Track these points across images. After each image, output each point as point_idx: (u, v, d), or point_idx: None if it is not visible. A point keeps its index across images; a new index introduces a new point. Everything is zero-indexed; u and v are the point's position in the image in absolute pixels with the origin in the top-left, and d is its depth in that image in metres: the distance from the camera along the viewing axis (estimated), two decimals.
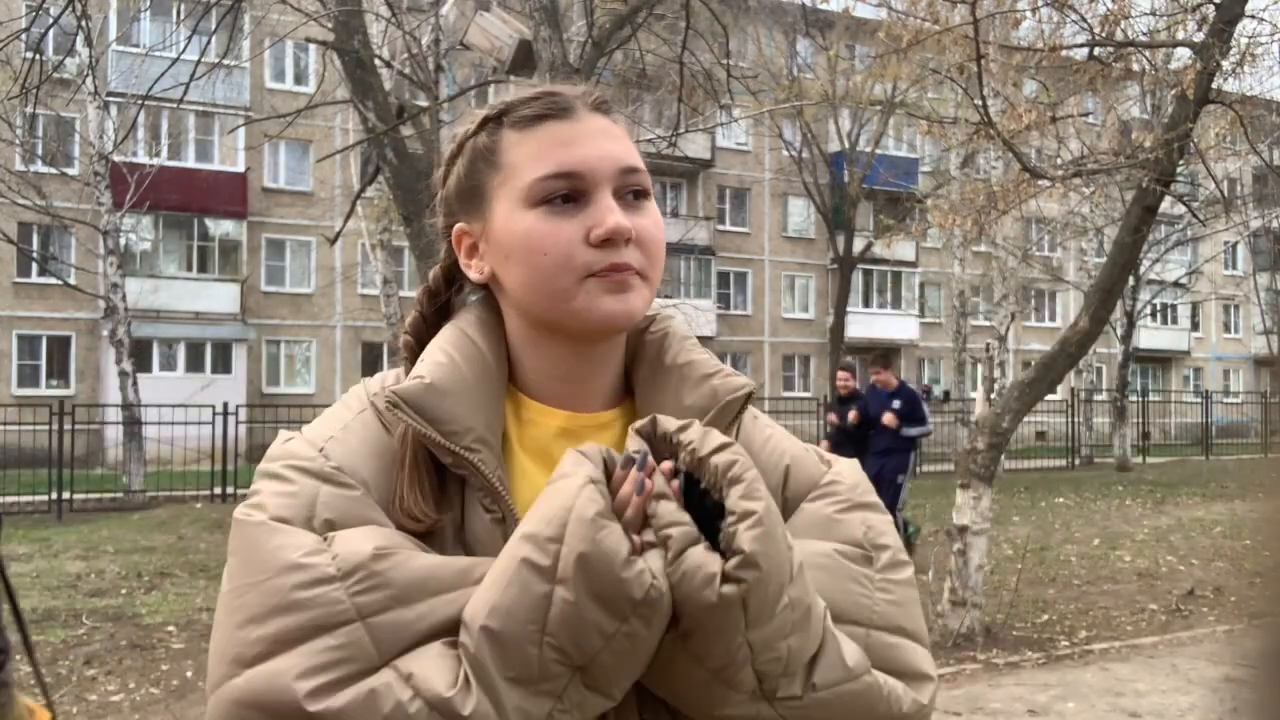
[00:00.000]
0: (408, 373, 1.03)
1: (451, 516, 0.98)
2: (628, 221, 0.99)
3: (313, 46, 13.25)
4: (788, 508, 1.09)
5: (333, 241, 11.37)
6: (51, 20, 8.13)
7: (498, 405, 1.02)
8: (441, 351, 1.02)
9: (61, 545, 10.97)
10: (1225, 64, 7.09)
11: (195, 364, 26.34)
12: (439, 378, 0.98)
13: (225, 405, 17.21)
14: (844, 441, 9.42)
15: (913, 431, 9.54)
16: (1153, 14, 9.99)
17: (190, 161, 26.26)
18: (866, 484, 1.14)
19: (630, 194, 1.02)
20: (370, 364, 28.86)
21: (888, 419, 9.25)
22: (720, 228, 33.65)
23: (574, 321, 1.00)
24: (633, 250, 0.99)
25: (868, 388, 10.01)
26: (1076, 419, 25.26)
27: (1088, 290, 7.95)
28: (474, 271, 1.06)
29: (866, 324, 33.93)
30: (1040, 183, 7.76)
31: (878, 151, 29.82)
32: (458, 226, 1.07)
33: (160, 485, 16.91)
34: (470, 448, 0.96)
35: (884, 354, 10.77)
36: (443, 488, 0.99)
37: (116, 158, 18.52)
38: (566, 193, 0.99)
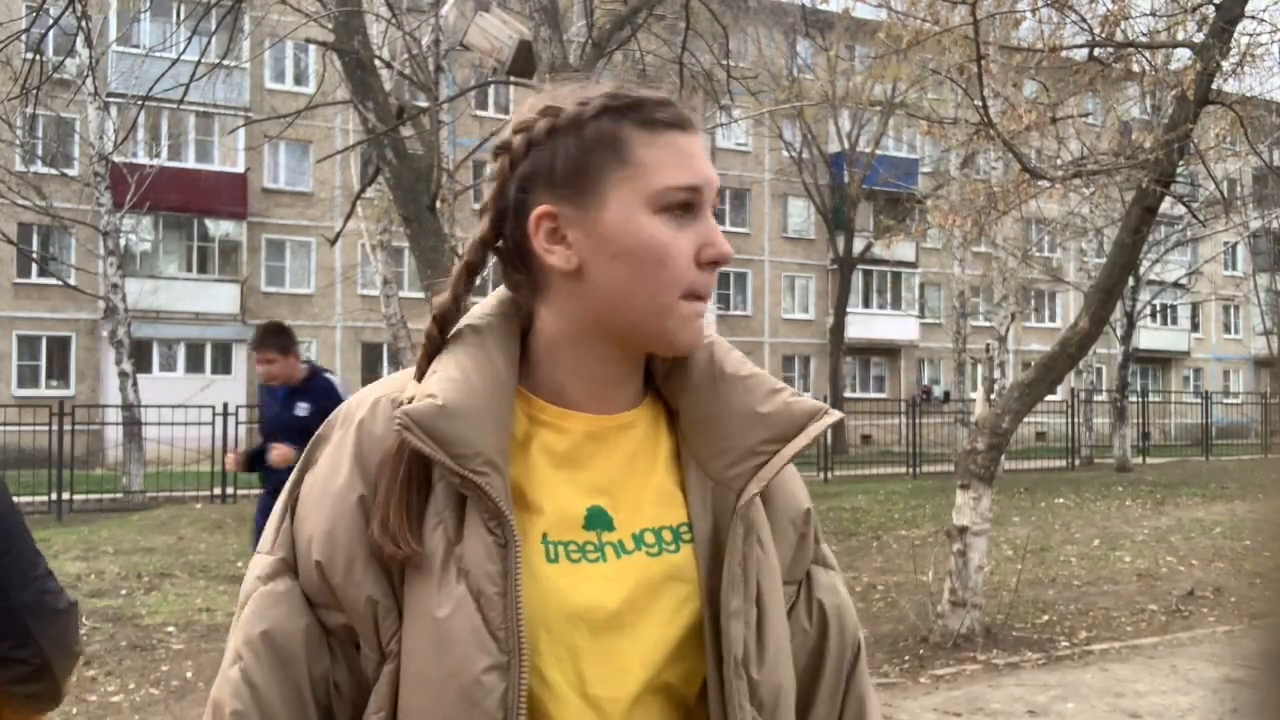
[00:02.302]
0: (422, 368, 1.03)
1: (445, 532, 0.96)
2: (728, 247, 1.02)
3: (313, 47, 13.25)
4: (800, 545, 1.13)
5: (333, 242, 11.38)
6: (51, 20, 8.13)
7: (508, 421, 1.00)
8: (456, 365, 0.99)
9: (61, 546, 10.97)
10: (1225, 64, 7.10)
11: (195, 364, 26.35)
12: (451, 398, 0.96)
13: (225, 406, 17.21)
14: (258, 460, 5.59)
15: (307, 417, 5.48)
16: (1153, 14, 9.98)
17: (190, 162, 26.26)
18: None
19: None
20: (370, 364, 28.86)
21: (276, 456, 5.16)
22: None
23: (659, 336, 1.00)
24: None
25: (261, 388, 6.30)
26: (1076, 419, 25.26)
27: (1088, 291, 7.96)
28: (557, 258, 1.00)
29: (866, 324, 33.93)
30: (1040, 183, 7.76)
31: (878, 152, 29.84)
32: (543, 206, 1.00)
33: (160, 486, 16.91)
34: (479, 470, 0.94)
35: (278, 329, 5.54)
36: (430, 501, 0.97)
37: (116, 158, 18.52)
38: (688, 205, 1.00)
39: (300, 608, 0.99)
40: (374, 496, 0.97)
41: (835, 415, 1.05)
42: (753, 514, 1.03)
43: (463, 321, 1.04)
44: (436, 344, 1.03)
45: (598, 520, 1.01)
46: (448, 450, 0.94)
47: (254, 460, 5.42)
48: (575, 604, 0.97)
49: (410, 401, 0.97)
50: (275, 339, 5.34)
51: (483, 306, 1.06)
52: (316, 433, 1.05)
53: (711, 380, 1.05)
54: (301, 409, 5.17)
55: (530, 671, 0.94)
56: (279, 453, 5.06)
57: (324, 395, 5.20)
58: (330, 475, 1.00)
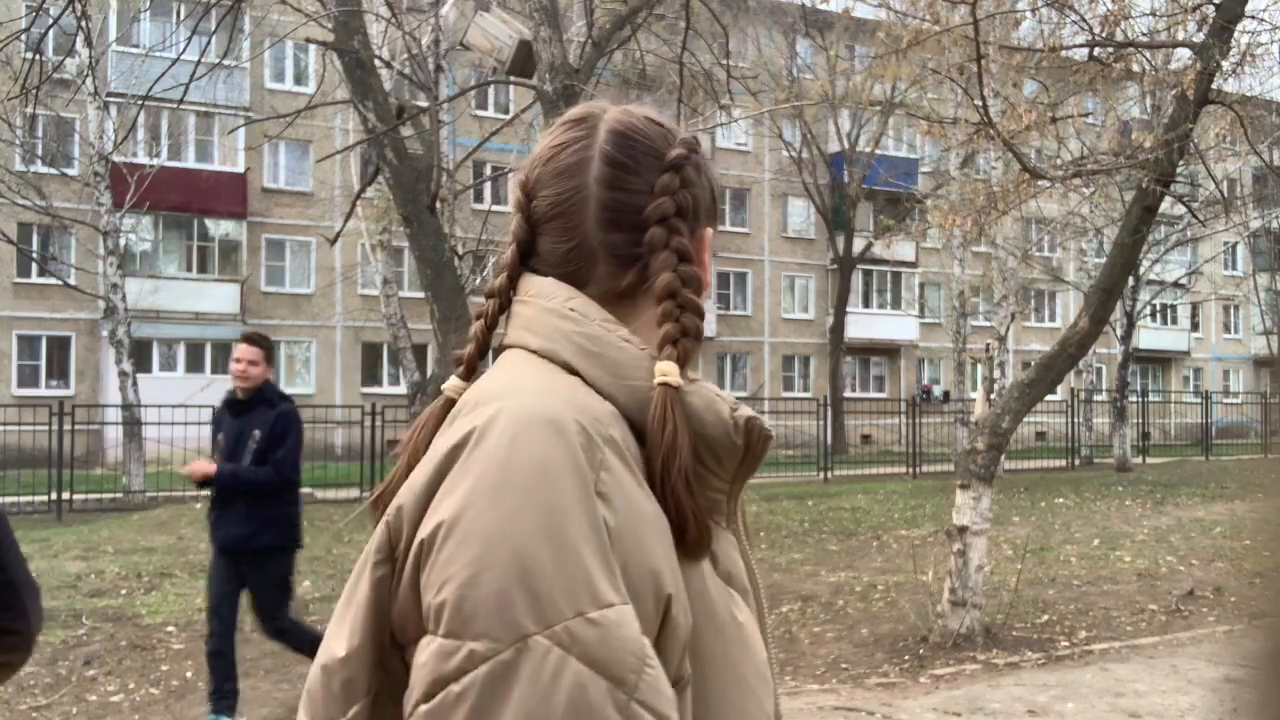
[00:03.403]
0: (478, 355, 1.04)
1: None
2: None
3: (313, 47, 13.25)
4: None
5: (333, 242, 11.38)
6: (51, 20, 8.13)
7: None
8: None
9: (61, 545, 10.97)
10: (1225, 64, 7.10)
11: (195, 364, 26.35)
12: None
13: None
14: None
15: (259, 479, 4.97)
16: (1153, 14, 10.00)
17: (190, 162, 26.26)
18: None
19: None
20: (370, 364, 28.87)
21: (193, 469, 5.06)
22: (720, 228, 33.53)
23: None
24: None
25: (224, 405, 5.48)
26: (1076, 419, 25.25)
27: (1088, 290, 7.95)
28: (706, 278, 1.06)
29: (866, 324, 33.94)
30: (1040, 183, 7.76)
31: (877, 152, 29.84)
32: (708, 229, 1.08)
33: (160, 485, 16.90)
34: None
35: (268, 339, 5.46)
36: None
37: (116, 158, 18.52)
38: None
39: None
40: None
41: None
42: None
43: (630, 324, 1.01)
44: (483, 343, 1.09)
45: None
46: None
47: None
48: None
49: (741, 411, 0.97)
50: (265, 344, 5.34)
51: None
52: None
53: None
54: (258, 434, 5.06)
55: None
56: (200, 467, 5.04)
57: (285, 423, 5.10)
58: (634, 502, 0.88)
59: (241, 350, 5.26)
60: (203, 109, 24.50)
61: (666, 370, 0.93)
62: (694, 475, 0.92)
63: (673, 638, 0.86)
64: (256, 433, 5.08)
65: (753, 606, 1.00)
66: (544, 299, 0.99)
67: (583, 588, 0.79)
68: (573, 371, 0.94)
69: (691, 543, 0.91)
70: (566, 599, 0.78)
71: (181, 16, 19.98)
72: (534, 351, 0.97)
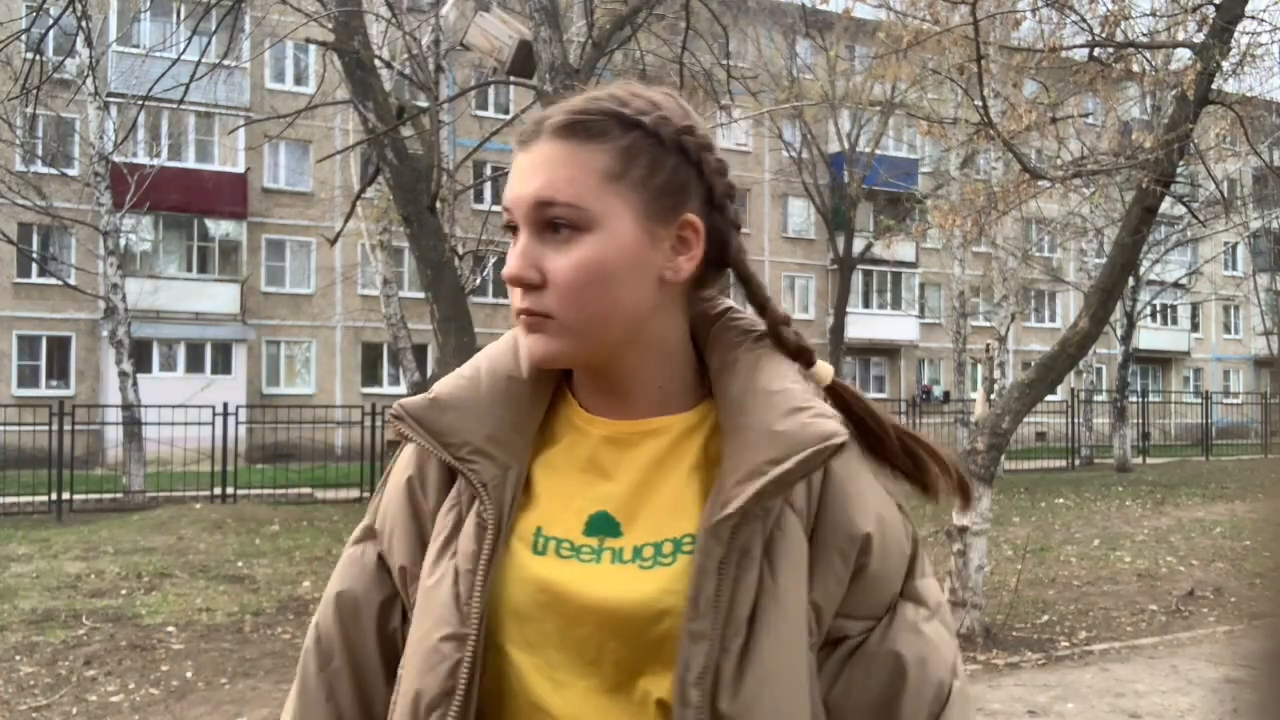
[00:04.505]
0: None
1: (457, 514, 1.04)
2: (514, 267, 0.99)
3: (313, 47, 13.25)
4: (862, 577, 1.03)
5: (333, 242, 11.36)
6: (51, 20, 8.14)
7: (518, 417, 1.05)
8: (472, 364, 1.09)
9: (61, 546, 10.97)
10: (1225, 65, 7.10)
11: (195, 364, 26.34)
12: (446, 392, 1.06)
13: (225, 406, 17.20)
14: None
15: None
16: (1153, 14, 10.00)
17: (190, 162, 26.25)
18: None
19: (555, 229, 0.99)
20: (370, 365, 28.86)
21: None
22: None
23: None
24: (538, 295, 0.99)
25: None
26: (1076, 420, 25.25)
27: (1088, 291, 7.95)
28: None
29: (866, 325, 33.94)
30: (1040, 183, 7.76)
31: (877, 152, 29.83)
32: None
33: (160, 486, 16.91)
34: (464, 458, 1.02)
35: None
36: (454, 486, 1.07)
37: (116, 158, 18.51)
38: (510, 225, 1.02)
39: (373, 571, 1.11)
40: (420, 480, 1.08)
41: (841, 439, 0.97)
42: (740, 534, 0.97)
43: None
44: None
45: (602, 525, 1.01)
46: (439, 439, 1.03)
47: None
48: (551, 594, 0.99)
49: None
50: None
51: None
52: None
53: (743, 393, 1.03)
54: None
55: (496, 651, 0.99)
56: None
57: None
58: (400, 460, 1.12)
59: None
60: (203, 109, 24.50)
61: None
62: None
63: (390, 565, 1.11)
64: None
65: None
66: None
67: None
68: None
69: None
70: None
71: (182, 16, 19.96)
72: None
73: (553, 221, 0.99)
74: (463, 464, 1.02)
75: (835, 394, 1.08)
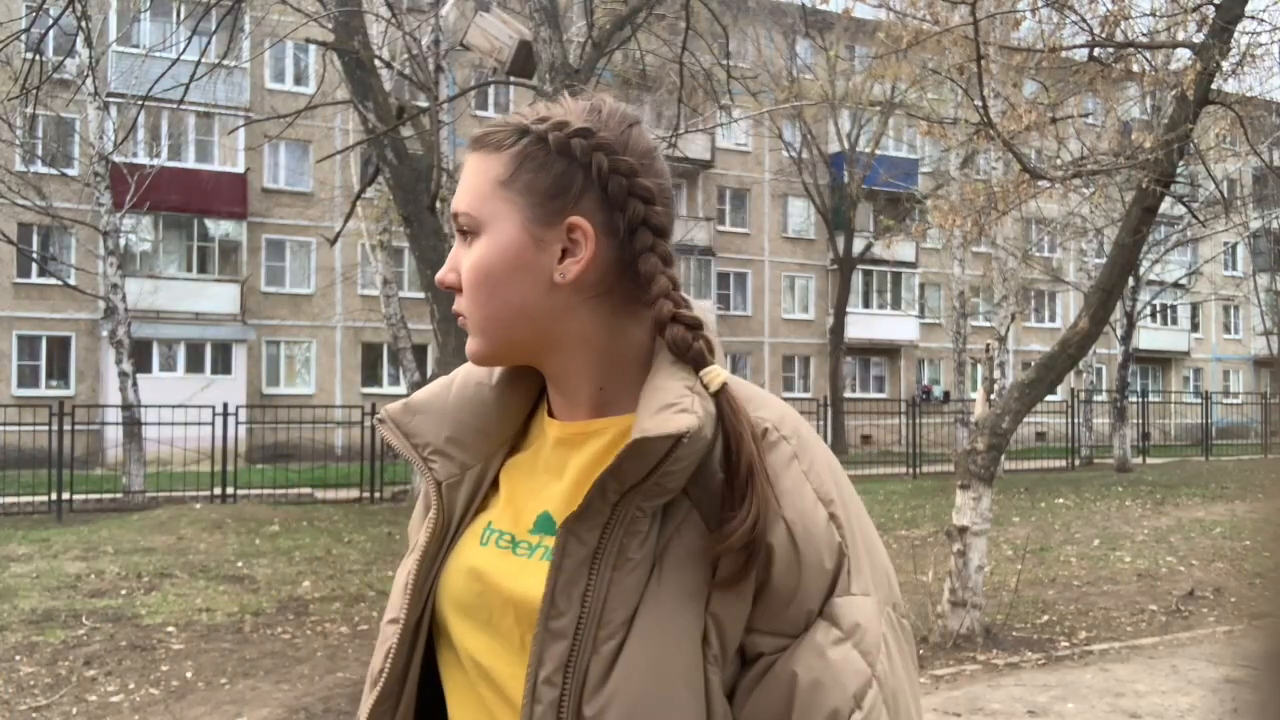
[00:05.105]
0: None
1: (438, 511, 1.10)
2: (440, 271, 1.07)
3: (313, 47, 13.25)
4: (765, 591, 0.96)
5: (333, 242, 11.37)
6: (51, 20, 8.12)
7: (476, 420, 1.10)
8: (455, 372, 1.16)
9: (61, 546, 10.97)
10: (1225, 65, 7.10)
11: (195, 364, 26.34)
12: (419, 398, 1.14)
13: (225, 406, 17.20)
14: None
15: None
16: (1153, 14, 9.99)
17: (190, 162, 26.26)
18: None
19: (464, 235, 1.06)
20: (370, 365, 28.86)
21: None
22: (720, 228, 33.66)
23: None
24: (461, 297, 1.06)
25: None
26: (1076, 420, 25.25)
27: (1088, 291, 7.96)
28: None
29: (866, 324, 33.95)
30: (1040, 183, 7.76)
31: (877, 152, 29.85)
32: None
33: (160, 486, 16.91)
34: (425, 457, 1.09)
35: None
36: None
37: (116, 158, 18.52)
38: (459, 229, 1.08)
39: None
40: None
41: (670, 433, 0.92)
42: (612, 534, 0.95)
43: None
44: None
45: (545, 525, 1.03)
46: (409, 440, 1.10)
47: None
48: (483, 584, 1.03)
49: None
50: None
51: None
52: None
53: (642, 393, 1.00)
54: None
55: (442, 636, 1.07)
56: None
57: None
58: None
59: None
60: (203, 109, 24.50)
61: None
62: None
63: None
64: None
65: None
66: None
67: None
68: None
69: None
70: None
71: (181, 16, 19.97)
72: None
73: (463, 229, 1.06)
74: (425, 463, 1.09)
75: (719, 402, 0.98)
